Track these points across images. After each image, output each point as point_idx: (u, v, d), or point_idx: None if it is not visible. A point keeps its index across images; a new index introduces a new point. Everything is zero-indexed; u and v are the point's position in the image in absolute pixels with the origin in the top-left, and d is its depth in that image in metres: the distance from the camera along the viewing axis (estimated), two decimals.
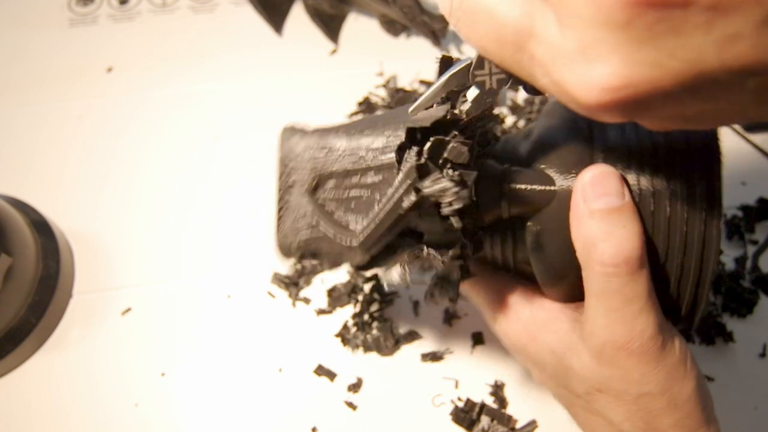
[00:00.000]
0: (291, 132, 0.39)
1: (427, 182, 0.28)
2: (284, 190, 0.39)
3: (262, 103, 0.59)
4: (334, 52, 0.63)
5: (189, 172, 0.56)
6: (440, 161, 0.28)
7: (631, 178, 0.28)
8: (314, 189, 0.36)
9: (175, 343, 0.48)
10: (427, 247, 0.31)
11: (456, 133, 0.29)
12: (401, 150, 0.29)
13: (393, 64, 0.61)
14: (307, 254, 0.37)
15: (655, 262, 0.29)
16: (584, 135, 0.31)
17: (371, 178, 0.32)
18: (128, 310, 0.49)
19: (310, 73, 0.61)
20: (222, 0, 0.66)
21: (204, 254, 0.52)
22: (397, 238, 0.32)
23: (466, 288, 0.36)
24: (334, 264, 0.37)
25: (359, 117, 0.59)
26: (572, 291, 0.32)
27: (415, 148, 0.29)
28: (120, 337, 0.48)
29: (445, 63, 0.29)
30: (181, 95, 0.60)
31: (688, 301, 0.29)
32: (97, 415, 0.45)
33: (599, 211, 0.28)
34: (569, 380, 0.32)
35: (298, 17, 0.65)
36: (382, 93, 0.60)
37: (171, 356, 0.48)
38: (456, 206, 0.28)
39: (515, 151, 0.34)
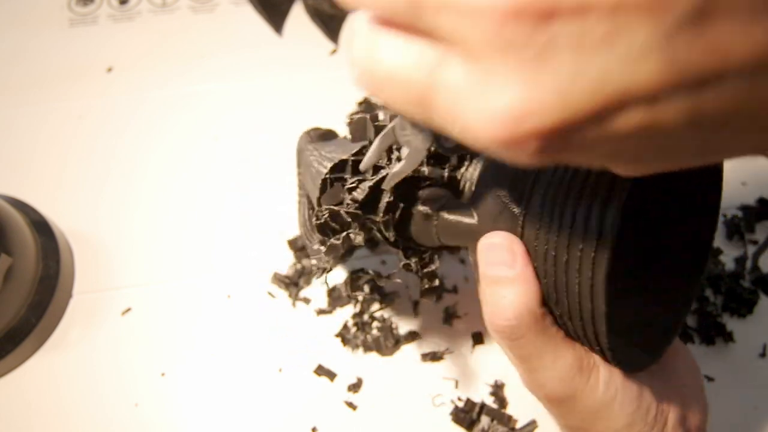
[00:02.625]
0: (304, 138, 0.45)
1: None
2: (300, 188, 0.46)
3: (262, 103, 0.59)
4: (334, 52, 0.63)
5: (189, 172, 0.56)
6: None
7: (546, 220, 0.28)
8: (308, 196, 0.42)
9: (175, 343, 0.48)
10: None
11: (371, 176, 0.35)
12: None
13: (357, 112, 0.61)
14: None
15: (562, 310, 0.28)
16: (516, 176, 0.30)
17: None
18: (128, 310, 0.49)
19: (310, 73, 0.61)
20: (222, 0, 0.66)
21: (204, 254, 0.52)
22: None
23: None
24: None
25: (359, 117, 0.58)
26: None
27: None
28: (120, 337, 0.48)
29: (368, 104, 0.33)
30: (181, 95, 0.60)
31: (596, 347, 0.29)
32: (97, 415, 0.45)
33: (487, 278, 0.29)
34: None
35: (298, 17, 0.65)
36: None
37: (171, 356, 0.48)
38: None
39: (463, 183, 0.36)
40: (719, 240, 0.52)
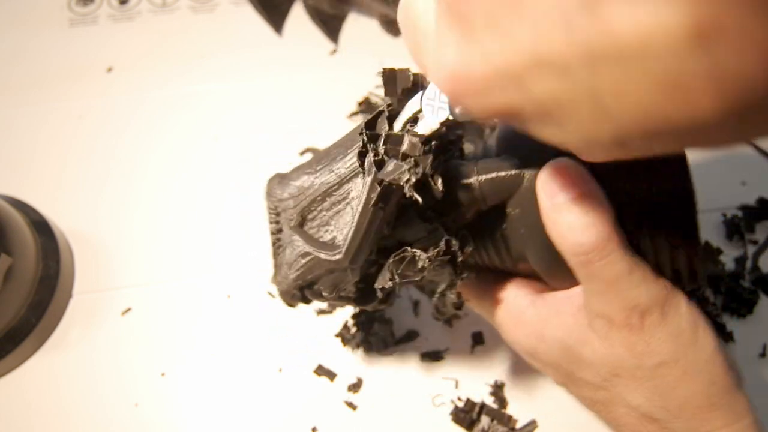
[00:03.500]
0: (275, 180, 0.40)
1: (386, 170, 0.30)
2: (275, 235, 0.40)
3: (262, 103, 0.59)
4: (334, 52, 0.63)
5: (189, 172, 0.56)
6: (398, 154, 0.30)
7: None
8: (301, 224, 0.37)
9: (175, 343, 0.48)
10: (411, 248, 0.32)
11: (408, 127, 0.30)
12: (362, 155, 0.31)
13: (393, 64, 0.61)
14: (305, 285, 0.38)
15: (635, 231, 0.28)
16: None
17: (344, 191, 0.34)
18: (128, 310, 0.49)
19: (310, 73, 0.61)
20: (222, 0, 0.66)
21: (204, 254, 0.52)
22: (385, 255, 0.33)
23: (468, 301, 0.36)
24: (333, 289, 0.36)
25: (359, 117, 0.59)
26: (572, 272, 0.32)
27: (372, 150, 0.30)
28: (120, 337, 0.48)
29: (389, 76, 0.32)
30: (181, 95, 0.60)
31: (683, 257, 0.28)
32: (97, 415, 0.45)
33: (560, 205, 0.28)
34: (584, 373, 0.32)
35: (298, 17, 0.65)
36: (382, 93, 0.60)
37: (171, 356, 0.48)
38: (413, 179, 0.29)
39: (483, 146, 0.35)
40: (719, 240, 0.52)
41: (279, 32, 0.64)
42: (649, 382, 0.30)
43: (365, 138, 0.31)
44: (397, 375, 0.47)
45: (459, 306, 0.35)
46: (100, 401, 0.46)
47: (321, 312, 0.49)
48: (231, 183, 0.55)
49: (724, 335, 0.48)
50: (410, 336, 0.48)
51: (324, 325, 0.49)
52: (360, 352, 0.48)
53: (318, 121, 0.58)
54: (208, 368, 0.47)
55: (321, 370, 0.47)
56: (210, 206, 0.54)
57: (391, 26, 0.64)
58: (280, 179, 0.39)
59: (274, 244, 0.40)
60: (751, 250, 0.52)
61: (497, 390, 0.46)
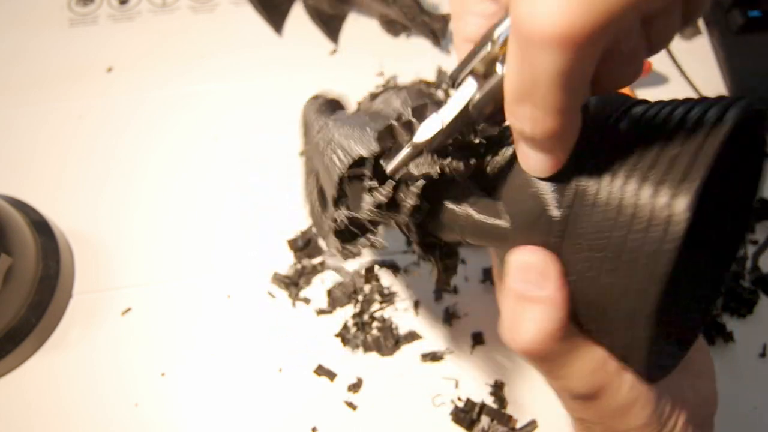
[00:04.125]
0: (311, 106, 0.42)
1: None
2: (308, 160, 0.43)
3: (262, 103, 0.59)
4: (334, 52, 0.63)
5: (189, 172, 0.56)
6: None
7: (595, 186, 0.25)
8: (316, 175, 0.39)
9: (175, 343, 0.48)
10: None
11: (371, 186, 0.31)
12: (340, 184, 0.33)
13: (393, 64, 0.61)
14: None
15: (593, 328, 0.27)
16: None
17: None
18: (128, 310, 0.49)
19: (310, 73, 0.61)
20: (222, 0, 0.66)
21: (204, 254, 0.52)
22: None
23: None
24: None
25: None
26: None
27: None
28: (120, 337, 0.48)
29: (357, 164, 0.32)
30: (181, 95, 0.60)
31: (628, 358, 0.27)
32: (97, 415, 0.45)
33: (514, 292, 0.27)
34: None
35: (298, 17, 0.65)
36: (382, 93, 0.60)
37: (171, 356, 0.48)
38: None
39: (491, 174, 0.32)
40: None
41: (279, 32, 0.64)
42: (578, 420, 0.31)
43: (339, 189, 0.33)
44: (397, 375, 0.47)
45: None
46: (100, 401, 0.46)
47: (321, 312, 0.49)
48: (231, 183, 0.55)
49: (724, 335, 0.48)
50: (410, 336, 0.48)
51: (324, 325, 0.49)
52: (360, 352, 0.48)
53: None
54: (208, 368, 0.47)
55: (321, 370, 0.47)
56: (210, 206, 0.54)
57: (391, 26, 0.64)
58: (317, 113, 0.41)
59: (305, 172, 0.43)
60: (751, 250, 0.52)
61: (497, 390, 0.46)
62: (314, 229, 0.44)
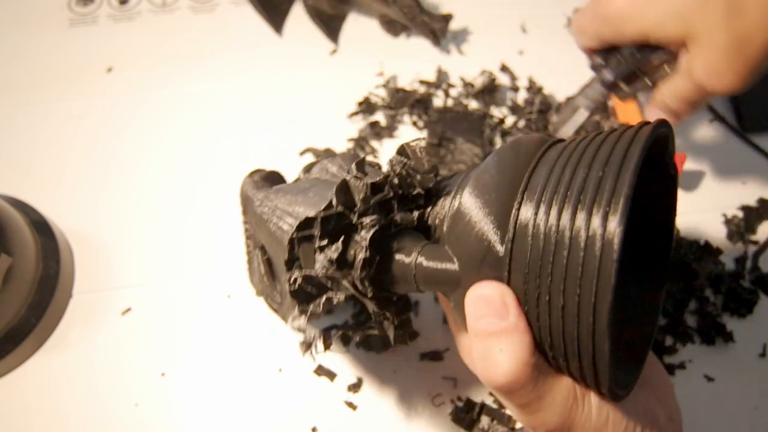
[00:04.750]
0: (245, 185, 0.44)
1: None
2: (248, 238, 0.46)
3: (262, 103, 0.60)
4: (334, 52, 0.63)
5: (189, 172, 0.56)
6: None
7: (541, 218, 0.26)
8: (263, 250, 0.41)
9: (175, 343, 0.48)
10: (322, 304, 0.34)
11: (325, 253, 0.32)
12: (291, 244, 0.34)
13: (393, 64, 0.61)
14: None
15: (557, 353, 0.27)
16: (499, 206, 0.28)
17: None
18: (128, 310, 0.49)
19: (310, 73, 0.61)
20: (222, 0, 0.66)
21: (204, 254, 0.52)
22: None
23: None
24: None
25: (359, 117, 0.59)
26: None
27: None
28: (120, 337, 0.48)
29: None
30: (181, 95, 0.60)
31: (595, 382, 0.27)
32: (97, 415, 0.45)
33: (478, 332, 0.28)
34: None
35: (298, 17, 0.65)
36: (382, 93, 0.60)
37: (171, 356, 0.48)
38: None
39: (432, 223, 0.33)
40: (719, 240, 0.52)
41: (279, 32, 0.64)
42: None
43: (290, 251, 0.34)
44: (397, 375, 0.47)
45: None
46: (100, 401, 0.46)
47: None
48: (231, 183, 0.55)
49: (724, 335, 0.48)
50: (410, 336, 0.48)
51: (324, 325, 0.49)
52: (360, 352, 0.48)
53: (318, 121, 0.58)
54: (208, 368, 0.47)
55: (321, 370, 0.47)
56: (210, 206, 0.54)
57: (391, 26, 0.64)
58: (253, 187, 0.43)
59: (247, 247, 0.46)
60: (751, 250, 0.52)
61: None
62: (267, 306, 0.45)
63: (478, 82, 0.59)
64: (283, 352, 0.48)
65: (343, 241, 0.32)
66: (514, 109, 0.59)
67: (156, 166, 0.56)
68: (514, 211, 0.27)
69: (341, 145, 0.57)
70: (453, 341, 0.48)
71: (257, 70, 0.61)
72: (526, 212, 0.27)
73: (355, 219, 0.32)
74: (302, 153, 0.57)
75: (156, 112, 0.59)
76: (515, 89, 0.60)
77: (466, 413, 0.45)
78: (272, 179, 0.45)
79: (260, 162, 0.56)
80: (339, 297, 0.33)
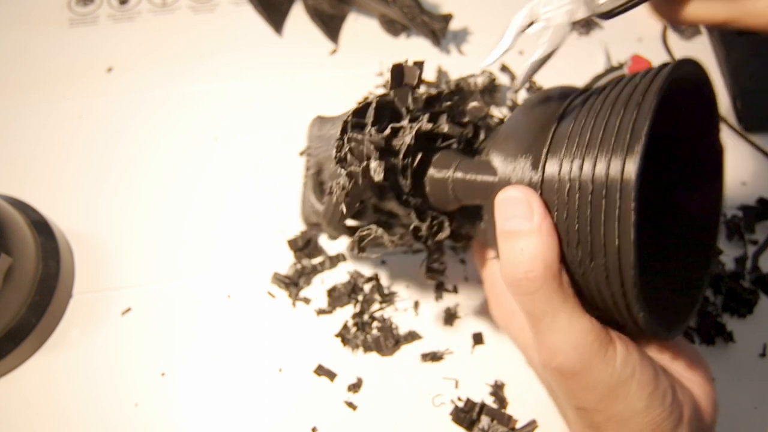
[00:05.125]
0: (313, 123, 0.46)
1: (347, 166, 0.35)
2: (306, 174, 0.47)
3: (262, 103, 0.59)
4: (334, 52, 0.63)
5: (189, 172, 0.56)
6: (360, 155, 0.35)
7: (566, 167, 0.28)
8: (318, 172, 0.44)
9: (175, 343, 0.48)
10: (377, 226, 0.37)
11: (373, 132, 0.34)
12: (338, 146, 0.36)
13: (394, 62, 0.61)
14: (313, 223, 0.46)
15: (578, 274, 0.28)
16: (539, 127, 0.30)
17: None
18: (128, 310, 0.49)
19: (310, 73, 0.61)
20: (222, 0, 0.66)
21: (204, 254, 0.52)
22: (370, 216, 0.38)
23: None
24: (330, 226, 0.42)
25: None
26: None
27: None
28: (120, 337, 0.48)
29: (359, 113, 0.36)
30: (181, 95, 0.60)
31: (623, 307, 0.27)
32: (97, 415, 0.45)
33: (504, 233, 0.29)
34: (536, 371, 0.33)
35: (298, 17, 0.65)
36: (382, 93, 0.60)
37: (171, 356, 0.48)
38: (371, 175, 0.34)
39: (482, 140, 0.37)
40: (719, 240, 0.52)
41: (279, 32, 0.64)
42: (575, 413, 0.30)
43: (343, 130, 0.35)
44: (397, 375, 0.47)
45: (439, 272, 0.41)
46: (100, 401, 0.46)
47: (321, 312, 0.49)
48: (231, 183, 0.55)
49: (724, 335, 0.48)
50: (410, 336, 0.48)
51: (324, 325, 0.49)
52: (360, 352, 0.48)
53: None
54: (208, 368, 0.47)
55: (321, 370, 0.47)
56: (210, 206, 0.54)
57: (391, 26, 0.64)
58: (319, 122, 0.45)
59: (305, 182, 0.47)
60: (751, 250, 0.52)
61: (497, 390, 0.46)
62: (308, 223, 0.47)
63: (479, 82, 0.59)
64: (283, 352, 0.48)
65: (392, 128, 0.34)
66: (513, 108, 0.59)
67: (156, 166, 0.56)
68: (548, 139, 0.29)
69: None
70: (453, 341, 0.48)
71: (257, 70, 0.61)
72: (552, 166, 0.28)
73: (406, 122, 0.34)
74: (302, 153, 0.57)
75: (156, 112, 0.59)
76: (515, 89, 0.60)
77: (466, 413, 0.45)
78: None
79: (260, 162, 0.56)
80: (379, 168, 0.34)
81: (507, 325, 0.35)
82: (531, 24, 0.30)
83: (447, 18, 0.62)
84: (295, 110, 0.59)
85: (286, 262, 0.51)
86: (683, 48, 0.62)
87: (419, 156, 0.34)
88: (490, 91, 0.59)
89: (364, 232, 0.37)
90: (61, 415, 0.45)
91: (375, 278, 0.50)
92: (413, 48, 0.63)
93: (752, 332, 0.48)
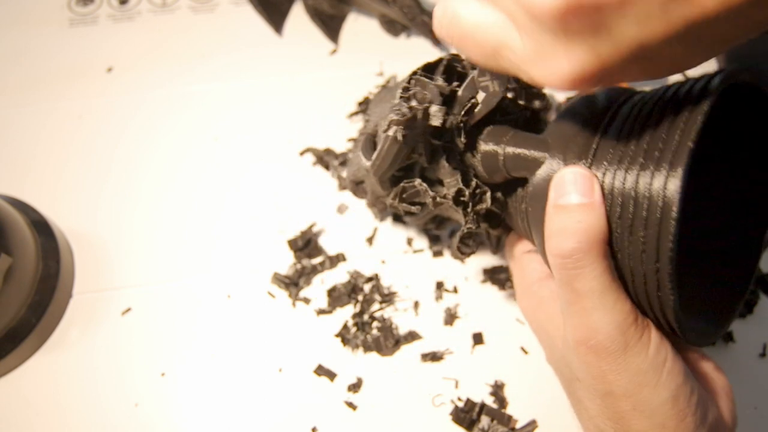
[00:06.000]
0: (378, 92, 0.48)
1: (401, 110, 0.36)
2: (359, 135, 0.48)
3: (262, 103, 0.60)
4: (334, 52, 0.63)
5: (189, 172, 0.56)
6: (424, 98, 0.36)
7: (609, 175, 0.29)
8: (374, 133, 0.44)
9: (175, 343, 0.48)
10: (421, 181, 0.38)
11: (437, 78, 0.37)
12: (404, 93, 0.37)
13: (393, 64, 0.61)
14: (357, 182, 0.47)
15: (623, 261, 0.29)
16: (593, 123, 0.32)
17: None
18: (128, 310, 0.49)
19: (310, 73, 0.61)
20: (222, 0, 0.66)
21: (204, 254, 0.52)
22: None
23: (509, 262, 0.42)
24: (372, 193, 0.45)
25: (359, 117, 0.59)
26: None
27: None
28: (120, 337, 0.48)
29: (428, 68, 0.37)
30: (181, 95, 0.60)
31: (658, 300, 0.28)
32: (97, 415, 0.45)
33: (561, 206, 0.29)
34: (558, 362, 0.33)
35: (298, 17, 0.65)
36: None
37: (171, 356, 0.48)
38: (432, 121, 0.35)
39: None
40: None
41: (279, 32, 0.64)
42: (601, 402, 0.30)
43: (412, 74, 0.36)
44: (397, 375, 0.47)
45: (468, 253, 0.41)
46: (100, 401, 0.46)
47: (321, 312, 0.49)
48: (231, 183, 0.55)
49: (724, 335, 0.48)
50: (410, 336, 0.48)
51: (324, 325, 0.49)
52: (360, 352, 0.48)
53: (318, 121, 0.58)
54: (208, 368, 0.47)
55: (321, 370, 0.47)
56: (210, 206, 0.54)
57: (391, 26, 0.64)
58: (384, 90, 0.47)
59: (356, 140, 0.48)
60: None
61: (497, 390, 0.46)
62: (354, 181, 0.47)
63: None
64: (283, 352, 0.48)
65: (458, 86, 0.36)
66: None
67: (156, 166, 0.56)
68: (602, 126, 0.31)
69: (341, 145, 0.57)
70: (453, 341, 0.48)
71: (257, 70, 0.61)
72: (598, 171, 0.30)
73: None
74: (302, 153, 0.57)
75: (156, 112, 0.59)
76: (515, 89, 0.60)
77: (466, 413, 0.45)
78: None
79: (260, 162, 0.56)
80: (439, 113, 0.35)
81: (534, 313, 0.35)
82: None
83: None
84: (295, 110, 0.59)
85: (286, 262, 0.51)
86: None
87: (476, 118, 0.36)
88: None
89: (408, 184, 0.39)
90: (61, 415, 0.45)
91: (375, 278, 0.50)
92: (413, 48, 0.63)
93: (752, 332, 0.48)
